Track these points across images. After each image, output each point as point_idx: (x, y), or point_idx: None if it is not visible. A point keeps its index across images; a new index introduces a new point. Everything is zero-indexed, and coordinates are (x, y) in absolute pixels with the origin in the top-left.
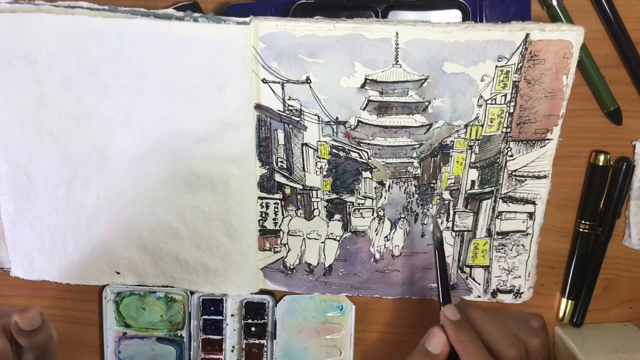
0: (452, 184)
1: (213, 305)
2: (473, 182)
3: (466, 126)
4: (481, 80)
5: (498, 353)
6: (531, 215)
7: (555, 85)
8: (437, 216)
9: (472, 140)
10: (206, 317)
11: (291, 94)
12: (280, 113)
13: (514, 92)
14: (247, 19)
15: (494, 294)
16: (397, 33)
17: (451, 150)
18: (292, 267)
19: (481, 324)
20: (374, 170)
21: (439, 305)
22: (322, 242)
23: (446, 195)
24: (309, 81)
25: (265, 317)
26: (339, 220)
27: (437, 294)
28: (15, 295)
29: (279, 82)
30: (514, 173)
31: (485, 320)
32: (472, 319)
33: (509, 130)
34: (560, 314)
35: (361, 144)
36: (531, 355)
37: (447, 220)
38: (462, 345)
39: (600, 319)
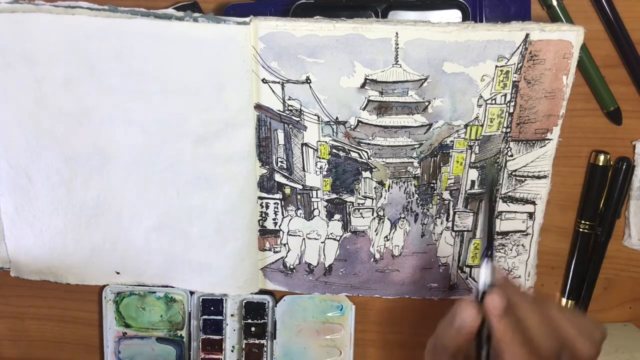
0: (452, 184)
1: (213, 305)
2: (473, 182)
3: (466, 126)
4: (481, 80)
5: (535, 343)
6: (531, 215)
7: (555, 85)
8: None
9: (472, 140)
10: (206, 317)
11: (291, 94)
12: (280, 113)
13: (514, 92)
14: (247, 19)
15: None
16: (397, 33)
17: (451, 150)
18: (292, 267)
19: (523, 312)
20: (374, 170)
21: (483, 255)
22: (322, 242)
23: (446, 195)
24: (309, 81)
25: (265, 317)
26: (339, 220)
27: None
28: (15, 295)
29: (279, 82)
30: (514, 173)
31: (528, 310)
32: (514, 305)
33: (508, 130)
34: None
35: (361, 144)
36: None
37: (447, 220)
38: (501, 334)
39: (600, 319)
